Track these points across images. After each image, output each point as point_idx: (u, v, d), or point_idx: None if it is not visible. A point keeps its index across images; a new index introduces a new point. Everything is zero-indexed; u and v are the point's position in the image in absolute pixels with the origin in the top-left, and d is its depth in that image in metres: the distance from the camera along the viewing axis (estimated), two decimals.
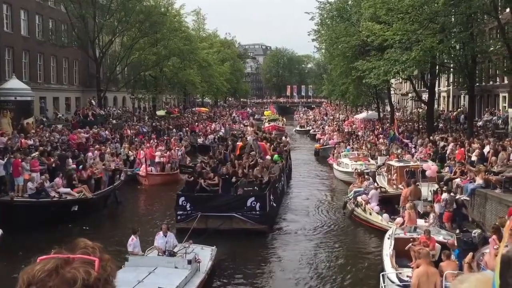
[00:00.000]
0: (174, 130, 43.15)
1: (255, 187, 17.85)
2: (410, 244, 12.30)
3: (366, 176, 21.69)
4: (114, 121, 37.92)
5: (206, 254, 13.38)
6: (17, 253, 14.36)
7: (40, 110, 34.63)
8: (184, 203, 17.26)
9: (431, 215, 15.30)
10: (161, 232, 13.33)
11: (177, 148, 31.16)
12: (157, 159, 27.54)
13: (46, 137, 26.10)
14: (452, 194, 16.79)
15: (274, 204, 18.93)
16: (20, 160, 19.04)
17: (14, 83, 28.66)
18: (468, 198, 16.70)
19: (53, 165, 21.49)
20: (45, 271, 1.25)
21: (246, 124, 67.99)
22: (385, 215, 17.35)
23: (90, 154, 24.88)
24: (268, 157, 22.81)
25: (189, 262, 12.01)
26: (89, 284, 1.25)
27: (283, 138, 35.09)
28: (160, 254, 12.83)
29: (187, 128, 46.07)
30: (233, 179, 18.60)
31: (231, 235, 16.12)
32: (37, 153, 21.47)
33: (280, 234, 17.65)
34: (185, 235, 14.45)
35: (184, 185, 19.50)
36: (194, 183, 18.81)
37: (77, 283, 1.24)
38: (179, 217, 17.19)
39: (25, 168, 19.00)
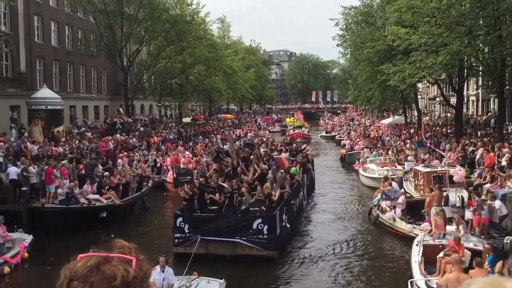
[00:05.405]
0: (200, 137, 43.55)
1: (263, 207, 15.23)
2: (442, 254, 11.84)
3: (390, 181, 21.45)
4: (141, 129, 38.51)
5: None
6: (48, 258, 14.72)
7: (70, 118, 35.47)
8: (182, 224, 15.13)
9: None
10: (157, 267, 10.87)
11: (203, 155, 31.43)
12: (181, 165, 27.82)
13: (75, 144, 26.72)
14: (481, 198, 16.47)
15: (288, 225, 16.63)
16: (52, 167, 19.55)
17: (45, 92, 29.43)
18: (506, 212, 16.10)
19: (83, 172, 21.98)
20: (87, 267, 1.33)
21: (271, 130, 68.35)
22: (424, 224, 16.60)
23: (120, 161, 25.33)
24: (281, 171, 19.56)
25: None
26: (128, 281, 1.32)
27: (305, 146, 30.61)
28: None
29: (212, 135, 46.40)
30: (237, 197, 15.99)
31: (240, 262, 14.08)
32: (66, 160, 21.97)
33: (298, 254, 15.76)
34: (184, 262, 12.40)
35: (184, 203, 16.58)
36: (193, 201, 16.19)
37: (117, 279, 1.31)
38: (176, 241, 15.09)
39: (56, 175, 19.48)
